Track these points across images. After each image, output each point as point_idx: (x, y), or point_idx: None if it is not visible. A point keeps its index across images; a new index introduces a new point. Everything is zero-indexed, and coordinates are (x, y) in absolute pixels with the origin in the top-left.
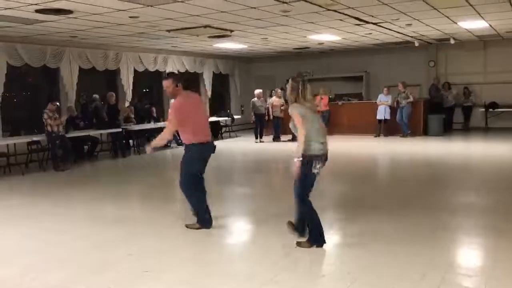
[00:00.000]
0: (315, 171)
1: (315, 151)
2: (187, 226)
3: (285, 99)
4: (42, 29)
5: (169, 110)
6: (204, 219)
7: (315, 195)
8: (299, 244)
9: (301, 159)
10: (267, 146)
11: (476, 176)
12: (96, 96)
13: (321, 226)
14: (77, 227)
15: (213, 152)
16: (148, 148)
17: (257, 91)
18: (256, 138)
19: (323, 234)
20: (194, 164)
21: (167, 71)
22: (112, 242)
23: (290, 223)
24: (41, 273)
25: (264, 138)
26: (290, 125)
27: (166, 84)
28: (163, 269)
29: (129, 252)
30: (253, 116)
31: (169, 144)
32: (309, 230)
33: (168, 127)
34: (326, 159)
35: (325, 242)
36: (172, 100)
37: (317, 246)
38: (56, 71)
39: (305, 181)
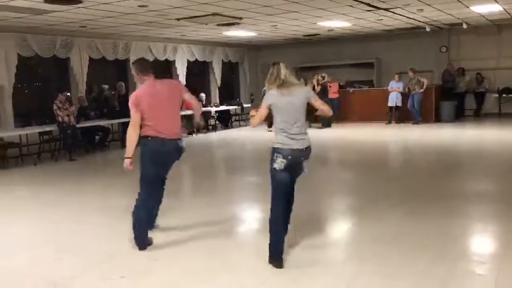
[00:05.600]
0: (275, 165)
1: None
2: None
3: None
4: (51, 19)
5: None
6: (136, 237)
7: (325, 183)
8: None
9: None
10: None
11: (489, 162)
12: (105, 86)
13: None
14: (87, 216)
15: (177, 157)
16: (126, 164)
17: None
18: (269, 126)
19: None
20: (150, 164)
21: (176, 59)
22: (122, 231)
23: None
24: (52, 262)
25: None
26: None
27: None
28: (173, 259)
29: None
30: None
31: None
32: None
33: (130, 125)
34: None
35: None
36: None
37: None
38: (66, 61)
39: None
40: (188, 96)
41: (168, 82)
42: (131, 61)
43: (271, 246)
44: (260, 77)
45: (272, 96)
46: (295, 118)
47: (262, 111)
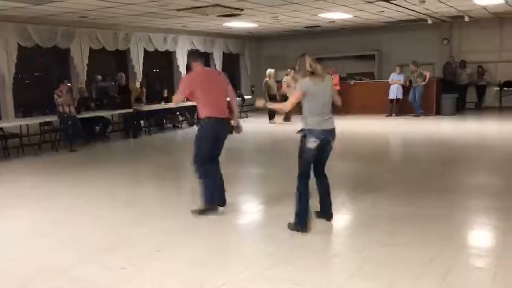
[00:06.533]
0: (309, 145)
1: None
2: (192, 211)
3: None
4: (52, 9)
5: None
6: (209, 201)
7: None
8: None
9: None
10: (280, 127)
11: (489, 156)
12: (98, 76)
13: (307, 211)
14: (88, 207)
15: (230, 132)
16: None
17: (270, 71)
18: (271, 118)
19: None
20: (206, 140)
21: (177, 50)
22: (123, 222)
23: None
24: (54, 252)
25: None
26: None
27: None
28: (175, 249)
29: (142, 232)
30: (267, 97)
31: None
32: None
33: (175, 96)
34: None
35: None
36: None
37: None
38: (66, 51)
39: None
40: (230, 89)
41: (214, 70)
42: (131, 52)
43: (299, 215)
44: (264, 69)
45: (306, 84)
46: (325, 102)
47: (298, 97)
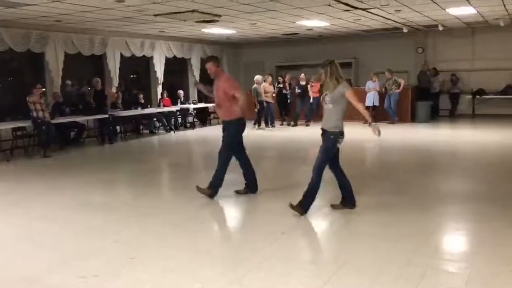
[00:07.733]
0: (338, 145)
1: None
2: (197, 188)
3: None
4: (26, 12)
5: (227, 85)
6: (215, 185)
7: (301, 180)
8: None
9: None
10: (260, 132)
11: (463, 162)
12: (68, 82)
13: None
14: (62, 214)
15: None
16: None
17: (258, 77)
18: (266, 124)
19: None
20: (237, 137)
21: (154, 56)
22: (98, 229)
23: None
24: (25, 260)
25: (252, 125)
26: (327, 99)
27: (208, 66)
28: (150, 257)
29: (115, 239)
30: (258, 104)
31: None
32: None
33: (241, 94)
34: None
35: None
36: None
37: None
38: (41, 56)
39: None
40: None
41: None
42: (107, 57)
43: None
44: (243, 76)
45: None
46: None
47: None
